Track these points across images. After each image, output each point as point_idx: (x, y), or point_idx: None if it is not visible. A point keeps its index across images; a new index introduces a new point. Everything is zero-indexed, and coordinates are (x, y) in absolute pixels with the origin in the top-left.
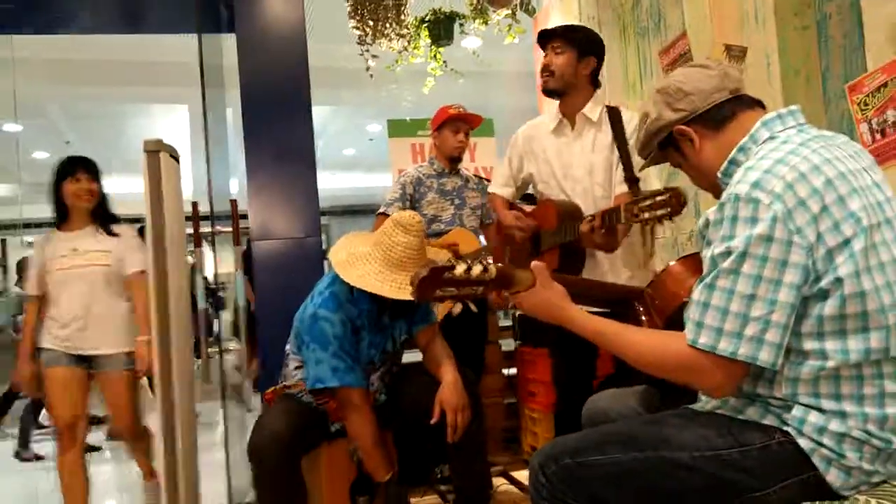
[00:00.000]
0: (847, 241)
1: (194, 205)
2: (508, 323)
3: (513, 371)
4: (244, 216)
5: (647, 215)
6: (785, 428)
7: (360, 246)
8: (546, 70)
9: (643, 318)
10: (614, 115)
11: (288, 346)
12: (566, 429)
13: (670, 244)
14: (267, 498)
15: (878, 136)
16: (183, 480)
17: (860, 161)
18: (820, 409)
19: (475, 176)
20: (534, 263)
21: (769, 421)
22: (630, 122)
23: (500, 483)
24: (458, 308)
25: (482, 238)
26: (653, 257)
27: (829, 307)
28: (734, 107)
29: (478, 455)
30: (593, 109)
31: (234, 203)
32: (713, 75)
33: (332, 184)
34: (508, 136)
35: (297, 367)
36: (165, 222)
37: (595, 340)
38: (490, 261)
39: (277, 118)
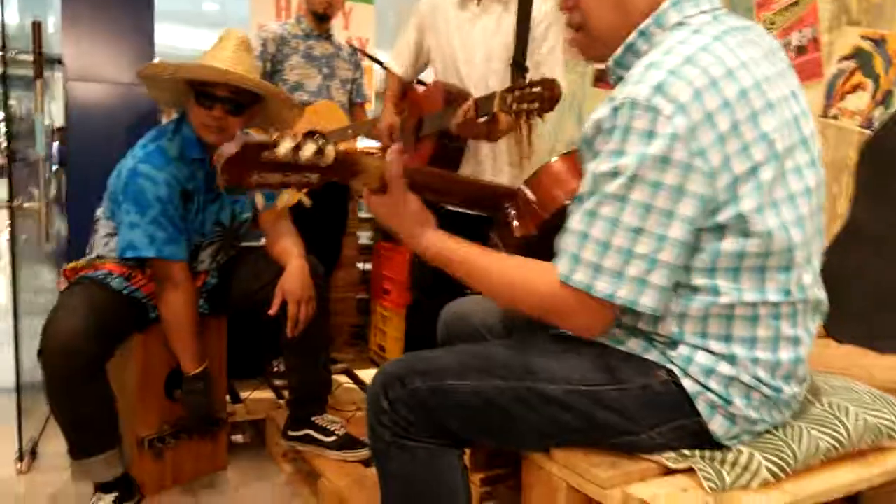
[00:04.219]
0: (755, 168)
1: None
2: (368, 214)
3: (368, 266)
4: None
5: (518, 106)
6: (669, 366)
7: None
8: None
9: (514, 222)
10: None
11: (99, 210)
12: (417, 330)
13: (548, 152)
14: (62, 415)
15: None
16: None
17: (776, 63)
18: (708, 350)
19: (350, 46)
20: (387, 160)
21: (652, 356)
22: (541, 5)
23: (342, 381)
24: (307, 200)
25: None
26: (531, 158)
27: (728, 243)
28: None
29: (319, 354)
30: None
31: (36, 25)
32: None
33: (193, 43)
34: (389, 3)
35: (107, 235)
36: None
37: (448, 270)
38: (326, 139)
39: None
